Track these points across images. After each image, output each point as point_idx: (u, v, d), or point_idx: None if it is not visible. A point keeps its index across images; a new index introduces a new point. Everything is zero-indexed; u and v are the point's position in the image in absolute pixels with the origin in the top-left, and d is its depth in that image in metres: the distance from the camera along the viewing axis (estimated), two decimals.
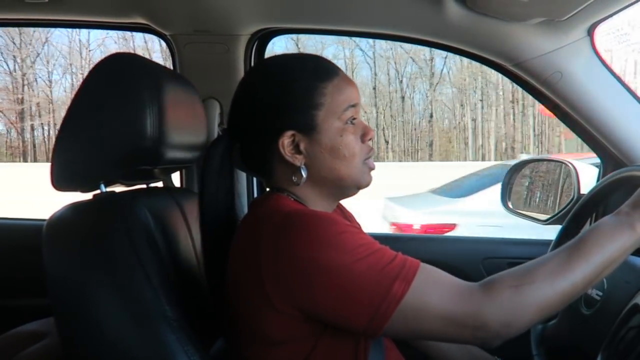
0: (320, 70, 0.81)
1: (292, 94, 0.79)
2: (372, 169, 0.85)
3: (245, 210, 0.87)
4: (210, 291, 0.89)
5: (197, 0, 1.16)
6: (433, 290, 0.67)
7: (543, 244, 1.26)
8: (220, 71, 1.30)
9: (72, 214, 0.79)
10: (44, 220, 0.86)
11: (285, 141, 0.79)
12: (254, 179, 1.41)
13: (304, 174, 0.79)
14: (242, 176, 1.36)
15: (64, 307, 0.73)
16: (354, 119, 0.81)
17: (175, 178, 1.17)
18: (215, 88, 1.30)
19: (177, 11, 1.21)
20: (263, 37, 1.36)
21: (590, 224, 1.09)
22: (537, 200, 1.38)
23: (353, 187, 0.84)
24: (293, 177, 0.80)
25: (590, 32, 1.14)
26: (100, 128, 0.79)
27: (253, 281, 0.72)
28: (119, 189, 0.92)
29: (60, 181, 0.83)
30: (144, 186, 0.99)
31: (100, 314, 0.70)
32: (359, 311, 0.67)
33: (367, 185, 0.85)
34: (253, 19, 1.26)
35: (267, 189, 0.88)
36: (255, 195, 1.42)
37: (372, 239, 0.71)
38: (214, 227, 0.88)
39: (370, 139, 0.84)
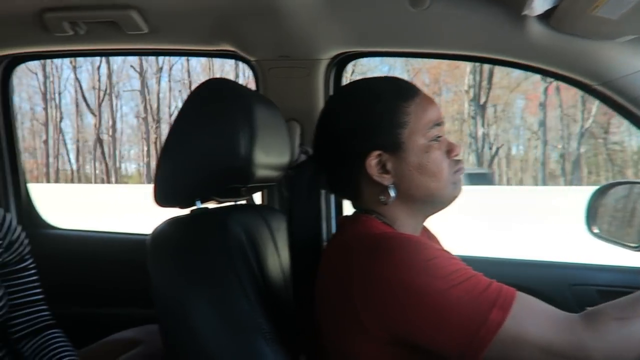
0: (401, 91, 0.83)
1: (375, 115, 0.81)
2: (461, 181, 0.85)
3: (332, 230, 0.89)
4: (297, 309, 0.92)
5: (282, 28, 1.23)
6: (532, 318, 0.66)
7: (634, 272, 1.19)
8: (301, 94, 1.36)
9: (172, 229, 0.85)
10: (144, 235, 0.93)
11: (373, 161, 0.80)
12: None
13: (392, 193, 0.81)
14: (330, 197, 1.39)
15: (167, 316, 0.78)
16: (439, 136, 0.82)
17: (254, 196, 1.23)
18: (296, 110, 1.36)
19: (263, 39, 1.28)
20: (342, 61, 1.40)
21: None
22: (626, 224, 1.30)
23: (442, 203, 0.84)
24: (381, 197, 0.81)
25: None
26: (197, 149, 0.85)
27: (344, 304, 0.73)
28: (209, 205, 0.98)
29: (161, 198, 0.90)
30: (232, 203, 1.05)
31: (199, 323, 0.74)
32: (455, 337, 0.66)
33: (455, 198, 0.85)
34: (333, 44, 1.31)
35: (354, 210, 0.89)
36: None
37: (465, 265, 0.71)
38: (303, 249, 0.91)
39: (456, 155, 0.84)
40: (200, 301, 0.75)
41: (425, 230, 0.98)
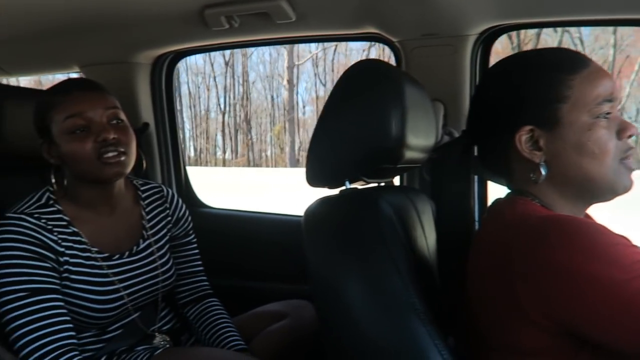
0: (565, 62, 0.75)
1: (529, 88, 0.75)
2: (631, 170, 0.75)
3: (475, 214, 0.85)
4: (444, 290, 0.90)
5: (428, 5, 1.19)
6: None
7: None
8: (445, 73, 1.31)
9: (325, 207, 0.87)
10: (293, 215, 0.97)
11: (523, 137, 0.75)
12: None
13: (543, 171, 0.74)
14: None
15: (322, 291, 0.81)
16: (608, 113, 0.73)
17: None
18: (440, 90, 1.31)
19: (408, 17, 1.25)
20: (490, 36, 1.32)
21: None
22: None
23: (606, 190, 0.75)
24: (532, 175, 0.76)
25: None
26: (349, 129, 0.86)
27: (503, 289, 0.69)
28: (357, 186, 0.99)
29: (313, 178, 0.93)
30: (376, 184, 1.05)
31: (352, 300, 0.75)
32: (633, 334, 0.60)
33: (625, 190, 0.75)
34: (482, 18, 1.23)
35: (509, 192, 0.85)
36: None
37: None
38: (450, 229, 0.88)
39: (630, 136, 0.74)
40: (353, 277, 0.76)
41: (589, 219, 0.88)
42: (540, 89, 0.74)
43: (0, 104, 1.23)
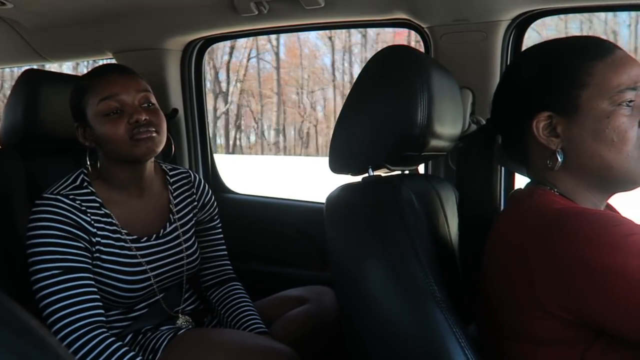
0: (588, 49, 0.73)
1: (549, 74, 0.74)
2: None
3: (501, 204, 0.83)
4: (465, 279, 0.88)
5: None
6: None
7: None
8: (475, 60, 1.28)
9: (347, 194, 0.87)
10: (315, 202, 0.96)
11: (541, 123, 0.74)
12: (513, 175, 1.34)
13: (559, 158, 0.73)
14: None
15: (342, 277, 0.81)
16: (631, 101, 0.70)
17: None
18: (469, 78, 1.28)
19: (439, 3, 1.22)
20: (523, 22, 1.28)
21: None
22: None
23: (626, 180, 0.73)
24: (548, 162, 0.75)
25: None
26: (374, 116, 0.85)
27: (519, 279, 0.69)
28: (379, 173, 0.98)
29: (336, 165, 0.93)
30: (400, 172, 1.03)
31: (372, 286, 0.75)
32: None
33: None
34: (515, 3, 1.19)
35: (529, 182, 0.83)
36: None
37: None
38: (473, 218, 0.87)
39: None
40: (374, 264, 0.76)
41: (610, 209, 0.86)
42: (560, 75, 0.73)
43: (37, 89, 1.27)
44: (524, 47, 1.32)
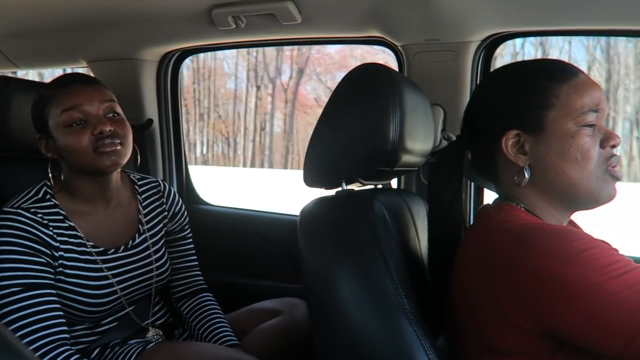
0: (554, 72, 0.77)
1: (518, 94, 0.78)
2: (617, 179, 0.76)
3: (471, 219, 0.86)
4: (434, 292, 0.90)
5: (432, 10, 1.20)
6: None
7: None
8: (446, 78, 1.32)
9: (320, 208, 0.89)
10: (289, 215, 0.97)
11: (510, 141, 0.78)
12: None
13: (526, 174, 0.77)
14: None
15: (315, 289, 0.82)
16: (593, 124, 0.75)
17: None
18: (440, 95, 1.32)
19: (412, 22, 1.26)
20: (492, 43, 1.33)
21: None
22: None
23: (587, 197, 0.76)
24: (516, 179, 0.78)
25: None
26: (348, 131, 0.87)
27: (485, 292, 0.71)
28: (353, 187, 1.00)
29: (310, 178, 0.94)
30: (373, 186, 1.06)
31: (344, 299, 0.76)
32: (612, 334, 0.61)
33: (607, 199, 0.77)
34: (485, 25, 1.24)
35: (496, 197, 0.86)
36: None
37: (626, 257, 0.65)
38: (442, 232, 0.90)
39: (613, 146, 0.76)
40: (345, 277, 0.77)
41: (573, 226, 0.90)
42: (528, 96, 0.77)
43: (8, 96, 1.25)
44: (492, 67, 1.36)
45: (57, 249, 1.05)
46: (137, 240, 1.20)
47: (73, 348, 1.01)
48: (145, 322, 1.22)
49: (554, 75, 0.77)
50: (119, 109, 1.13)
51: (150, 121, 1.78)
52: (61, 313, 1.02)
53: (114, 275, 1.12)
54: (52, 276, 1.04)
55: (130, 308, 1.18)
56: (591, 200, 0.77)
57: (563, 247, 0.65)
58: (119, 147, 1.08)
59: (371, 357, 0.73)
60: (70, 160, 1.08)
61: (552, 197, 0.78)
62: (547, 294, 0.64)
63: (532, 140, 0.77)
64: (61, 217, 1.08)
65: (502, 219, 0.76)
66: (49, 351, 0.96)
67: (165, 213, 1.29)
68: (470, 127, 0.87)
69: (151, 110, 1.80)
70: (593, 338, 0.63)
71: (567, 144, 0.74)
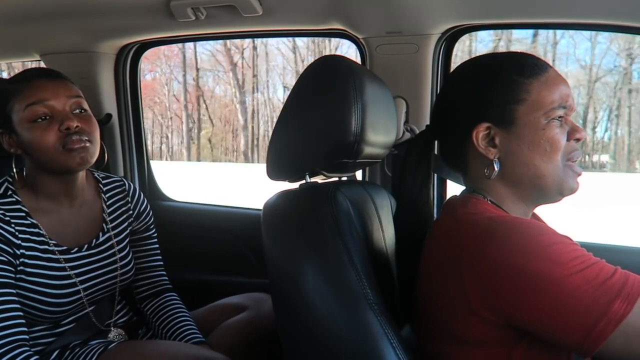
0: (525, 67, 0.78)
1: (489, 88, 0.78)
2: (578, 174, 0.79)
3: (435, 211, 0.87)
4: (400, 282, 0.91)
5: (393, 3, 1.20)
6: None
7: None
8: (408, 71, 1.33)
9: (284, 201, 0.88)
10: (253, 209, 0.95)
11: (480, 134, 0.78)
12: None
13: (496, 167, 0.78)
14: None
15: (279, 282, 0.82)
16: (561, 117, 0.77)
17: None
18: (403, 87, 1.33)
19: (373, 15, 1.26)
20: (453, 36, 1.34)
21: None
22: None
23: (553, 189, 0.78)
24: (485, 171, 0.79)
25: None
26: (310, 123, 0.87)
27: (452, 283, 0.72)
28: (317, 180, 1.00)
29: (273, 172, 0.94)
30: (337, 179, 1.06)
31: (308, 290, 0.76)
32: (571, 326, 0.63)
33: (570, 191, 0.79)
34: (445, 18, 1.25)
35: (463, 190, 0.87)
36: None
37: (586, 252, 0.67)
38: (409, 223, 0.91)
39: (578, 140, 0.78)
40: (310, 268, 0.77)
41: (537, 219, 0.92)
42: (500, 90, 0.78)
43: None
44: (452, 61, 1.39)
45: (19, 247, 1.02)
46: (101, 239, 1.17)
47: (32, 350, 0.98)
48: (107, 323, 1.19)
49: (524, 70, 0.78)
50: (85, 105, 1.10)
51: (109, 116, 1.73)
52: (21, 313, 0.99)
53: (77, 275, 1.09)
54: (13, 275, 1.00)
55: (91, 308, 1.15)
56: (556, 192, 0.79)
57: (529, 241, 0.67)
58: (87, 144, 1.05)
59: (336, 347, 0.73)
60: (36, 156, 1.05)
61: (519, 189, 0.80)
62: (513, 286, 0.66)
63: (503, 133, 0.78)
64: (23, 214, 1.05)
65: (469, 211, 0.77)
66: (7, 352, 0.93)
67: (130, 212, 1.26)
68: (440, 119, 0.87)
69: (109, 104, 1.74)
70: (554, 330, 0.65)
71: (537, 136, 0.76)
